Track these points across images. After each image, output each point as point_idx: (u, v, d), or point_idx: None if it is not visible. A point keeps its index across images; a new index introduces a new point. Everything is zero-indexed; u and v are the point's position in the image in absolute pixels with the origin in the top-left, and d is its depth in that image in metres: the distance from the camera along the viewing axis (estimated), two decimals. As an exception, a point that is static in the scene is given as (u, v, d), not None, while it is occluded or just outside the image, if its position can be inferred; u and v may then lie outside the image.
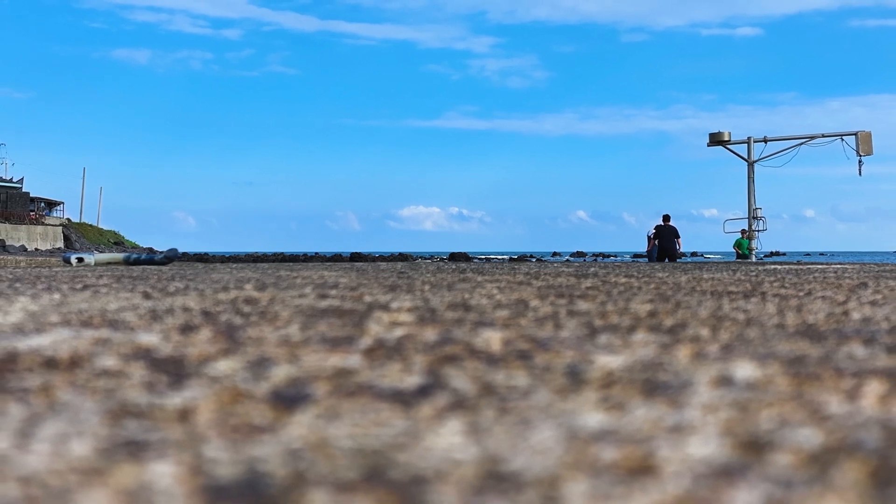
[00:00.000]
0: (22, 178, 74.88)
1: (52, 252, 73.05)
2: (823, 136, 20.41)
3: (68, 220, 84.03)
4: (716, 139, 20.57)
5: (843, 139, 20.34)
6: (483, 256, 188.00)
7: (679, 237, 21.01)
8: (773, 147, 20.97)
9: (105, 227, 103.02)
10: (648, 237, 21.43)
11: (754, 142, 20.69)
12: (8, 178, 74.58)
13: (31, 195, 76.21)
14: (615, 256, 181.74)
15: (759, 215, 20.64)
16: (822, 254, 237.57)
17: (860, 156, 20.45)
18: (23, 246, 69.11)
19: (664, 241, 20.83)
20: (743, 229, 21.99)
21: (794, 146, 20.70)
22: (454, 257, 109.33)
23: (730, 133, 20.62)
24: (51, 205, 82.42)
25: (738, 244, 22.09)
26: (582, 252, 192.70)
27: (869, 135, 20.31)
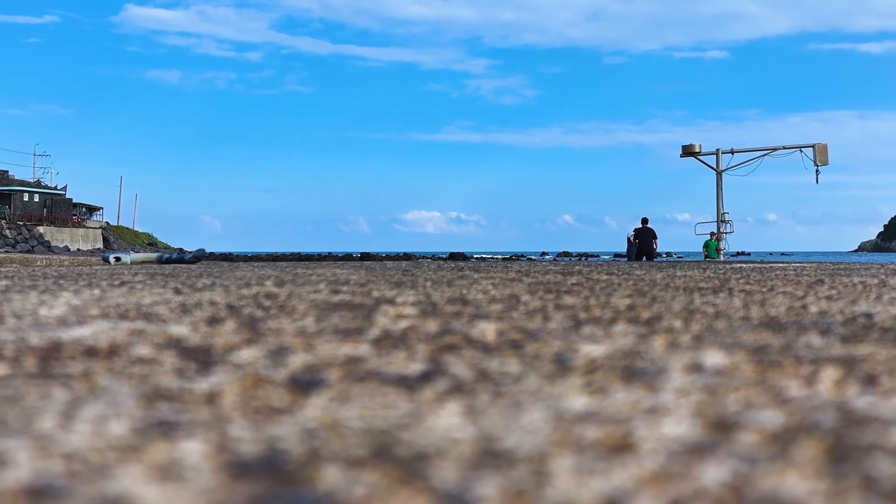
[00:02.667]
0: (65, 186, 74.81)
1: (92, 252, 72.89)
2: (784, 147, 20.38)
3: (107, 223, 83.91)
4: (687, 151, 20.53)
5: (801, 151, 20.32)
6: (479, 255, 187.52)
7: (656, 238, 20.95)
8: (739, 158, 20.93)
9: (140, 230, 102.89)
10: (628, 239, 21.37)
11: (722, 153, 20.65)
12: (53, 186, 74.47)
13: (73, 201, 76.09)
14: (597, 256, 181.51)
15: (726, 219, 20.61)
16: (783, 254, 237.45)
17: (817, 166, 20.42)
18: (66, 246, 68.97)
19: (643, 242, 20.77)
20: (711, 231, 21.93)
21: (758, 157, 20.67)
22: (453, 256, 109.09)
23: (700, 145, 20.59)
24: (91, 210, 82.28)
25: (706, 246, 22.00)
26: (568, 252, 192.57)
27: (825, 147, 20.28)
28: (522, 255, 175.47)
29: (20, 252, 61.53)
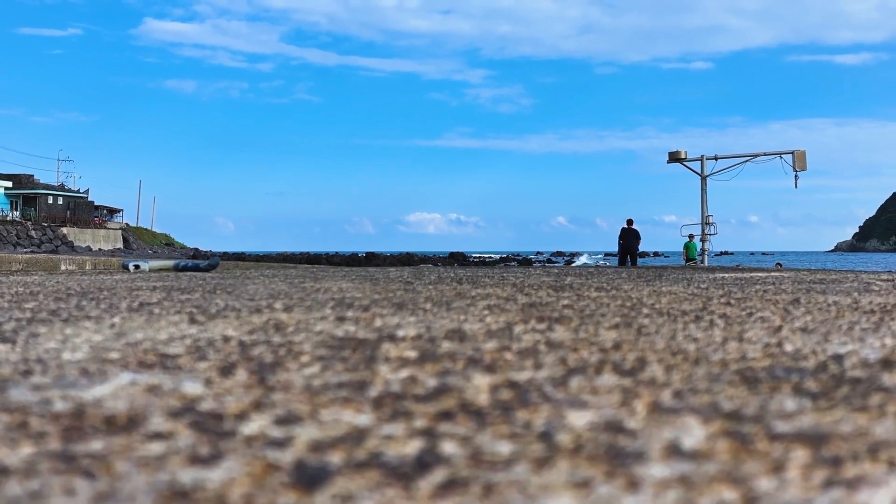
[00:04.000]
0: (87, 190, 74.87)
1: (112, 252, 72.98)
2: (765, 154, 20.37)
3: (127, 224, 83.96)
4: (674, 157, 20.53)
5: (781, 157, 20.30)
6: (478, 256, 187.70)
7: (640, 239, 21.06)
8: (722, 164, 20.93)
9: (158, 231, 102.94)
10: (619, 242, 21.41)
11: (706, 159, 20.65)
12: (76, 189, 74.55)
13: (95, 203, 76.17)
14: (588, 255, 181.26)
15: (710, 221, 20.61)
16: (764, 253, 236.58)
17: (796, 171, 20.41)
18: (88, 247, 69.05)
19: (626, 242, 20.87)
20: (690, 234, 21.95)
21: (741, 163, 20.66)
22: (453, 257, 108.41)
23: (686, 151, 20.59)
24: (112, 211, 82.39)
25: (686, 247, 22.00)
26: (561, 252, 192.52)
27: (803, 153, 20.28)
28: (518, 255, 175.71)
29: (45, 252, 61.55)
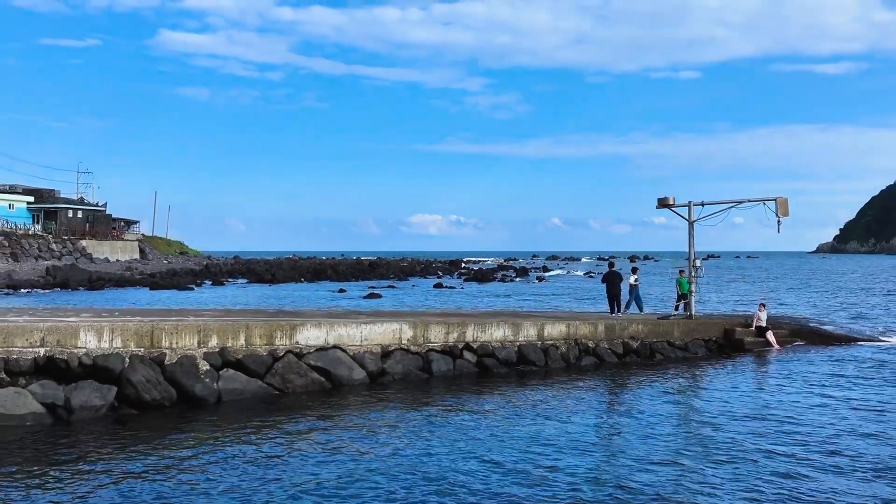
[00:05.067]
0: (105, 203, 74.70)
1: (129, 262, 72.95)
2: (749, 200, 20.38)
3: (143, 235, 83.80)
4: (663, 203, 20.53)
5: (765, 204, 20.31)
6: (475, 259, 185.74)
7: (621, 280, 21.23)
8: (709, 209, 20.92)
9: (172, 238, 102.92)
10: (630, 284, 21.43)
11: (693, 205, 20.67)
12: (94, 203, 74.45)
13: (112, 216, 76.15)
14: (580, 260, 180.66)
15: (697, 265, 20.59)
16: (749, 256, 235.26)
17: (778, 217, 20.44)
18: (106, 258, 68.97)
19: (611, 286, 20.96)
20: (681, 270, 21.94)
21: (726, 208, 20.69)
22: (453, 264, 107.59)
23: (674, 198, 20.61)
24: (129, 223, 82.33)
25: (678, 283, 21.92)
26: (556, 256, 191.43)
27: (786, 201, 20.31)
28: (515, 259, 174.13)
29: (65, 264, 61.52)
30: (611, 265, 21.26)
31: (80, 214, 71.13)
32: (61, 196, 73.90)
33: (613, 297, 20.65)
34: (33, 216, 68.83)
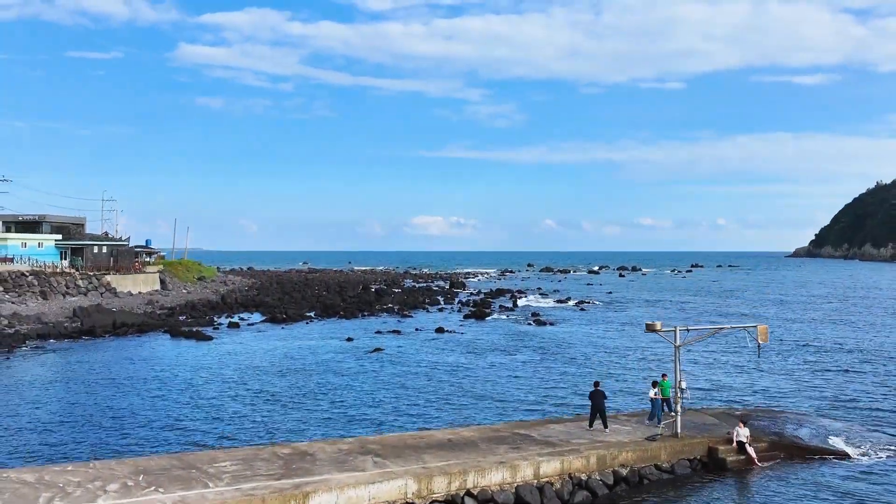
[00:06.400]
0: (129, 237, 74.81)
1: (151, 294, 72.99)
2: (732, 327, 20.40)
3: (163, 257, 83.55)
4: (650, 328, 20.51)
5: (746, 330, 20.32)
6: (474, 273, 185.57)
7: (606, 398, 21.45)
8: (694, 334, 20.90)
9: (191, 247, 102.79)
10: (651, 398, 21.54)
11: (679, 330, 20.67)
12: (118, 238, 74.57)
13: (135, 249, 76.18)
14: (574, 271, 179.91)
15: (683, 387, 20.58)
16: (730, 266, 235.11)
17: (759, 343, 20.44)
18: (129, 291, 69.04)
19: (596, 401, 21.08)
20: (664, 374, 21.90)
21: (710, 333, 20.69)
22: (453, 284, 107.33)
23: (661, 323, 20.61)
24: (150, 253, 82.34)
25: (661, 386, 21.76)
26: (550, 268, 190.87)
27: (766, 328, 20.34)
28: (511, 272, 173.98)
29: (92, 300, 61.54)
30: (595, 384, 21.51)
31: (104, 250, 71.16)
32: (86, 222, 73.92)
33: (597, 411, 20.87)
34: (61, 253, 68.81)
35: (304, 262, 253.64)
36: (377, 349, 41.66)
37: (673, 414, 20.84)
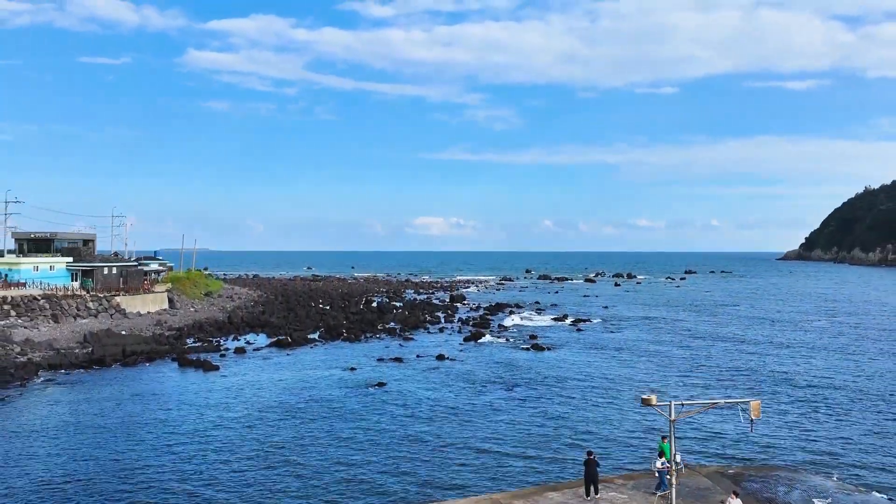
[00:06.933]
0: (139, 259, 74.65)
1: (159, 314, 72.89)
2: (726, 401, 20.27)
3: (170, 267, 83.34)
4: (646, 402, 20.37)
5: (739, 406, 20.24)
6: (473, 280, 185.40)
7: (599, 465, 21.50)
8: (688, 407, 20.79)
9: (197, 271, 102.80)
10: (658, 469, 21.46)
11: (675, 404, 20.56)
12: (128, 258, 74.52)
13: (144, 270, 76.09)
14: (571, 279, 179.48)
15: (678, 460, 20.48)
16: (723, 272, 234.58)
17: (752, 420, 20.34)
18: (138, 312, 68.98)
19: (590, 469, 21.15)
20: (664, 436, 21.82)
21: (704, 408, 20.60)
22: (453, 299, 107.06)
23: (656, 397, 20.50)
24: (158, 271, 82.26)
25: (661, 449, 21.74)
26: (547, 276, 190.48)
27: (758, 404, 20.18)
28: (510, 279, 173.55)
29: (102, 322, 61.43)
30: (589, 453, 21.51)
31: (114, 271, 71.00)
32: (97, 238, 73.56)
33: (590, 481, 20.97)
34: (72, 275, 68.70)
35: (308, 268, 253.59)
36: (379, 384, 41.52)
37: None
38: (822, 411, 34.95)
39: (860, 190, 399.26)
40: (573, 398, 37.90)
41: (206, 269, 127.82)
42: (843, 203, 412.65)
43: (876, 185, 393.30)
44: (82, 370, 46.56)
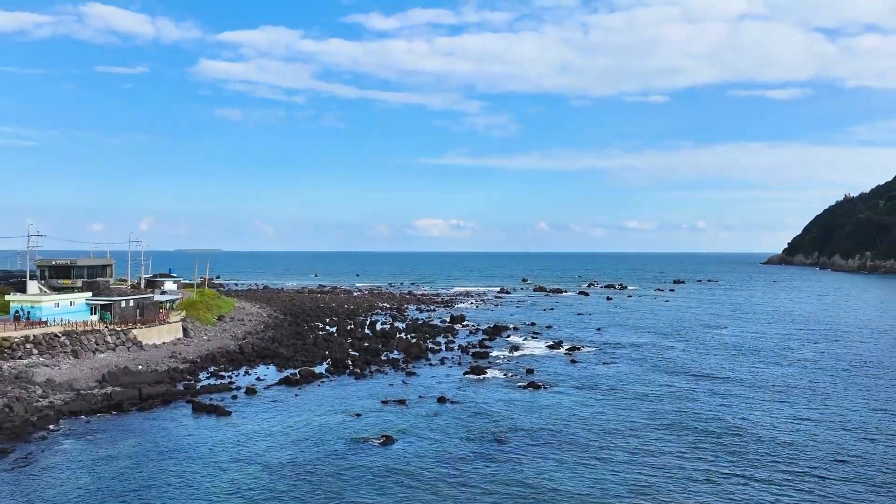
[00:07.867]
0: (153, 293, 74.69)
1: (175, 343, 72.88)
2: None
3: (185, 314, 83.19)
4: None
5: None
6: (472, 290, 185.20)
7: None
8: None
9: (210, 290, 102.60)
10: None
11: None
12: (144, 290, 74.58)
13: (160, 302, 76.08)
14: (565, 291, 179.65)
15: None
16: (710, 281, 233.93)
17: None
18: (154, 343, 68.99)
19: None
20: None
21: None
22: (453, 320, 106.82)
23: None
24: (173, 302, 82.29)
25: None
26: (543, 287, 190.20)
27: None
28: (508, 292, 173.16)
29: (120, 355, 61.46)
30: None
31: (132, 304, 71.08)
32: (114, 286, 73.64)
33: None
34: (91, 309, 68.78)
35: (315, 275, 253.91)
36: (385, 438, 41.49)
37: None
38: (810, 484, 34.96)
39: (839, 194, 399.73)
40: (564, 462, 37.89)
41: (217, 277, 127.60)
42: (825, 210, 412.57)
43: (855, 192, 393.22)
44: (101, 415, 46.58)
